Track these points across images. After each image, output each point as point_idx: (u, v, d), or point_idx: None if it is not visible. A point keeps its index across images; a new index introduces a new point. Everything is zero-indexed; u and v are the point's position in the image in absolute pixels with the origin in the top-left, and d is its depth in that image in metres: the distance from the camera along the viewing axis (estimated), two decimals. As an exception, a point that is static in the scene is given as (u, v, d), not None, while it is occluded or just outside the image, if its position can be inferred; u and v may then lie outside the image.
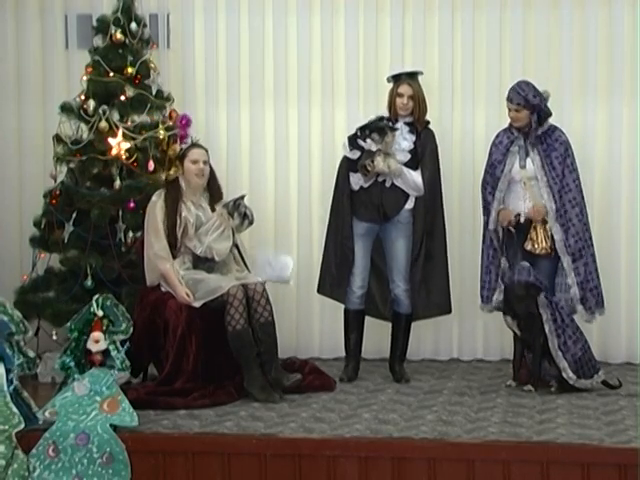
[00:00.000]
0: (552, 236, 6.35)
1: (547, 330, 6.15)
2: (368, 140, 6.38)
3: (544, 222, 6.35)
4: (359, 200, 6.50)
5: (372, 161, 6.35)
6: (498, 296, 6.49)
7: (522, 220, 6.38)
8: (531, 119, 6.35)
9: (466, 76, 7.14)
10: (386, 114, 6.55)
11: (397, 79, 6.56)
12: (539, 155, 6.37)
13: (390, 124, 6.41)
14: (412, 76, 6.56)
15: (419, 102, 6.50)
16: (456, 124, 7.17)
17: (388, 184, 6.42)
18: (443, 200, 6.61)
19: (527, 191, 6.39)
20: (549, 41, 7.06)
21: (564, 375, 6.12)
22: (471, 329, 7.23)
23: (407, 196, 6.47)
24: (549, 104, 6.41)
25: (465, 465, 5.10)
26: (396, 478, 5.14)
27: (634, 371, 6.71)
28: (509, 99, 6.37)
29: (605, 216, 7.02)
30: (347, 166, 6.52)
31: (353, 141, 6.48)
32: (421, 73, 6.59)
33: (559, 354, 6.13)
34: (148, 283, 6.27)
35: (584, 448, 5.10)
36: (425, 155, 6.49)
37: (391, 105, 6.55)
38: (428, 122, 6.58)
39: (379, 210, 6.45)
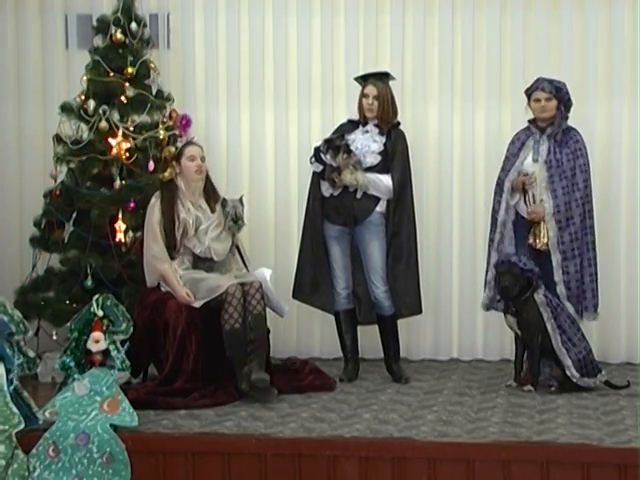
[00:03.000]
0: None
1: (549, 328, 6.17)
2: (327, 155, 6.41)
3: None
4: (330, 205, 6.51)
5: (339, 174, 6.37)
6: (488, 292, 6.50)
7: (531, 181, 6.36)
8: (560, 109, 6.36)
9: (466, 76, 7.14)
10: (356, 116, 6.60)
11: (365, 80, 6.57)
12: (547, 150, 6.36)
13: (347, 144, 6.38)
14: (379, 77, 6.56)
15: (384, 103, 6.48)
16: (456, 124, 7.17)
17: (359, 195, 6.42)
18: (414, 200, 6.57)
19: (537, 186, 6.38)
20: (549, 41, 7.06)
21: (568, 373, 6.13)
22: (471, 329, 7.23)
23: (378, 199, 6.47)
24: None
25: (465, 465, 5.11)
26: (396, 478, 5.14)
27: (634, 371, 6.71)
28: (540, 88, 6.34)
29: (605, 216, 7.01)
30: (318, 173, 6.54)
31: (317, 153, 6.49)
32: (390, 76, 6.57)
33: (563, 351, 6.14)
34: (148, 284, 6.28)
35: (584, 448, 5.10)
36: (395, 156, 6.47)
37: (360, 106, 6.56)
38: (398, 123, 6.57)
39: (350, 215, 6.45)
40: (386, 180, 6.45)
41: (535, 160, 6.38)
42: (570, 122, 6.83)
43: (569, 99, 6.41)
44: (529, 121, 6.49)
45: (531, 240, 6.37)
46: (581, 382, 6.15)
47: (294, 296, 6.72)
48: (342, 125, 6.65)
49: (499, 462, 5.09)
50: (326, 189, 6.52)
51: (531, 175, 6.34)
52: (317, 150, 6.50)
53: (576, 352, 6.17)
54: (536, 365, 6.23)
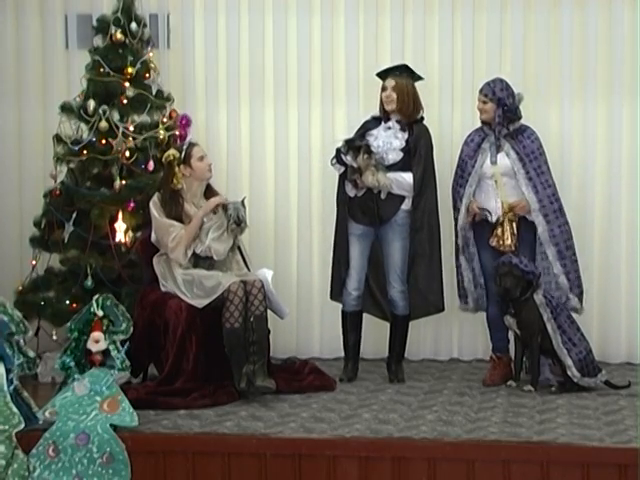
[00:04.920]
0: (517, 233, 6.35)
1: (549, 329, 6.18)
2: (348, 157, 6.39)
3: (511, 219, 6.36)
4: (356, 204, 6.49)
5: (360, 175, 6.35)
6: (472, 295, 6.58)
7: (492, 219, 6.39)
8: (495, 113, 6.39)
9: (466, 76, 7.14)
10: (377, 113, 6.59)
11: (386, 74, 6.55)
12: (513, 149, 6.39)
13: (367, 144, 6.36)
14: (399, 71, 6.52)
15: (402, 95, 6.44)
16: (456, 124, 7.17)
17: (383, 196, 6.40)
18: (437, 197, 6.56)
19: (498, 189, 6.40)
20: (549, 41, 7.06)
21: (569, 373, 6.13)
22: (471, 329, 7.22)
23: (403, 198, 6.46)
24: (522, 107, 6.48)
25: (465, 465, 5.11)
26: (396, 478, 5.15)
27: (634, 371, 6.71)
28: (480, 90, 6.43)
29: (605, 216, 7.03)
30: (342, 174, 6.53)
31: (338, 154, 6.46)
32: (413, 73, 6.55)
33: (564, 351, 6.15)
34: (184, 263, 6.20)
35: (584, 448, 5.11)
36: (417, 152, 6.44)
37: (380, 101, 6.55)
38: (422, 118, 6.55)
39: (375, 214, 6.43)
40: (409, 178, 6.41)
41: (493, 162, 6.41)
42: (570, 122, 6.89)
43: (511, 108, 6.39)
44: (482, 122, 6.53)
45: (494, 243, 6.38)
46: (582, 382, 6.15)
47: (331, 297, 6.74)
48: (366, 122, 6.62)
49: (499, 462, 5.10)
50: (350, 190, 6.50)
51: (484, 211, 6.40)
52: (338, 151, 6.48)
53: (577, 352, 6.17)
54: (536, 365, 6.24)
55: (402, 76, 6.50)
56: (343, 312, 6.65)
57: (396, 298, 6.52)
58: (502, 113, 6.38)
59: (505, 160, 6.40)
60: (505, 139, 6.41)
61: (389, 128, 6.50)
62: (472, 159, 6.47)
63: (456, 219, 6.54)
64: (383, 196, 6.40)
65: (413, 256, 6.49)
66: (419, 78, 6.60)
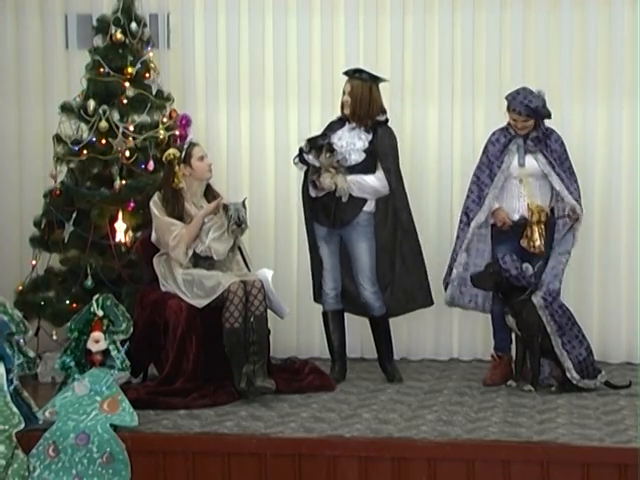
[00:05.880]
0: (546, 235, 6.35)
1: (549, 331, 6.17)
2: (310, 155, 6.37)
3: (539, 221, 6.36)
4: (317, 206, 6.48)
5: (319, 176, 6.34)
6: (452, 291, 6.56)
7: (516, 218, 6.39)
8: (536, 123, 6.38)
9: (466, 76, 7.14)
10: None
11: (347, 76, 6.53)
12: (542, 153, 6.38)
13: (330, 143, 6.34)
14: (358, 74, 6.46)
15: (356, 99, 6.38)
16: (456, 124, 7.17)
17: (345, 199, 6.36)
18: (407, 196, 6.54)
19: (524, 189, 6.40)
20: (549, 41, 7.06)
21: (568, 375, 6.13)
22: (471, 329, 7.22)
23: (364, 200, 6.43)
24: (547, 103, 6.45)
25: (465, 465, 5.11)
26: (396, 478, 5.15)
27: (634, 371, 6.71)
28: (517, 112, 6.32)
29: (605, 216, 7.03)
30: (306, 174, 6.52)
31: (301, 153, 6.45)
32: (363, 72, 6.46)
33: (564, 354, 6.15)
34: (184, 263, 6.19)
35: (584, 448, 5.11)
36: (383, 154, 6.41)
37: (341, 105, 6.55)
38: (386, 120, 6.49)
39: (335, 217, 6.41)
40: (371, 181, 6.41)
41: (521, 165, 6.39)
42: (570, 122, 6.90)
43: (547, 112, 6.39)
44: (509, 123, 6.48)
45: (524, 244, 6.38)
46: (582, 384, 6.15)
47: (315, 299, 6.75)
48: (332, 122, 6.61)
49: (499, 462, 5.10)
50: (311, 190, 6.48)
51: (513, 221, 6.40)
52: (301, 150, 6.46)
53: (576, 354, 6.16)
54: (536, 365, 6.23)
55: (360, 79, 6.42)
56: (324, 313, 6.65)
57: (370, 300, 6.50)
58: (541, 120, 6.38)
59: (533, 162, 6.39)
60: (533, 142, 6.40)
61: (353, 129, 6.47)
62: (498, 159, 6.43)
63: (466, 214, 6.49)
64: (344, 199, 6.37)
65: (400, 256, 6.49)
66: (382, 80, 6.53)
